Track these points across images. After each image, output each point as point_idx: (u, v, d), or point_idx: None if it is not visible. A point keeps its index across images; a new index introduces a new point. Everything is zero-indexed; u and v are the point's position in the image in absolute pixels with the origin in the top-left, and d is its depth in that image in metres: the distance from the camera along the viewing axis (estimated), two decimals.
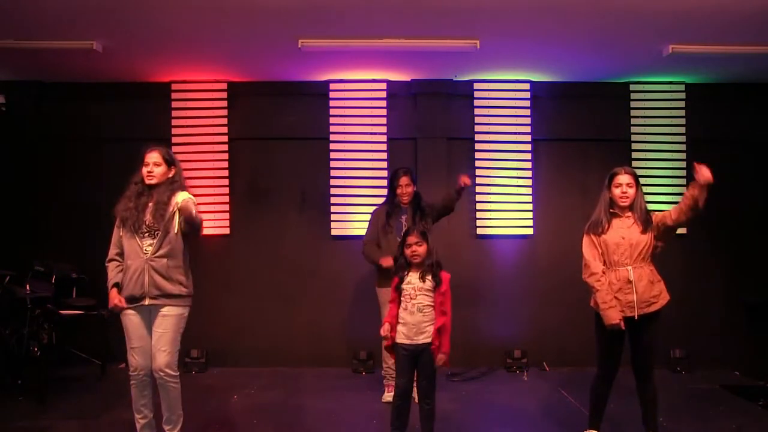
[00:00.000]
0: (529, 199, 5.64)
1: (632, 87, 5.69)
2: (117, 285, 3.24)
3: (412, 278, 3.33)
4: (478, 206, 5.62)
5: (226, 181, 5.61)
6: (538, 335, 5.58)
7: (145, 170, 3.25)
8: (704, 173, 3.23)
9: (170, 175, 3.31)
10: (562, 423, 4.04)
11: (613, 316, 3.23)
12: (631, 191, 3.34)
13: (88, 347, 5.23)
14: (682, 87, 5.67)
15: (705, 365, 5.46)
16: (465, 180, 4.29)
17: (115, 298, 3.22)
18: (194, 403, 4.33)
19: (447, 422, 4.05)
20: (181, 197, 3.28)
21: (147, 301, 3.20)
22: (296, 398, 4.60)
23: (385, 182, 5.43)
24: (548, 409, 4.36)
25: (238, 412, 4.29)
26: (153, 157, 3.26)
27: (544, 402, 4.53)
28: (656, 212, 3.40)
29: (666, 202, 5.59)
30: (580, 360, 5.39)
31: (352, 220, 5.53)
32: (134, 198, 3.24)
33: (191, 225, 3.23)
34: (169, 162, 3.32)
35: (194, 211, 3.18)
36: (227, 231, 5.62)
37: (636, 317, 3.27)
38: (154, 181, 3.25)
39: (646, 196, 5.49)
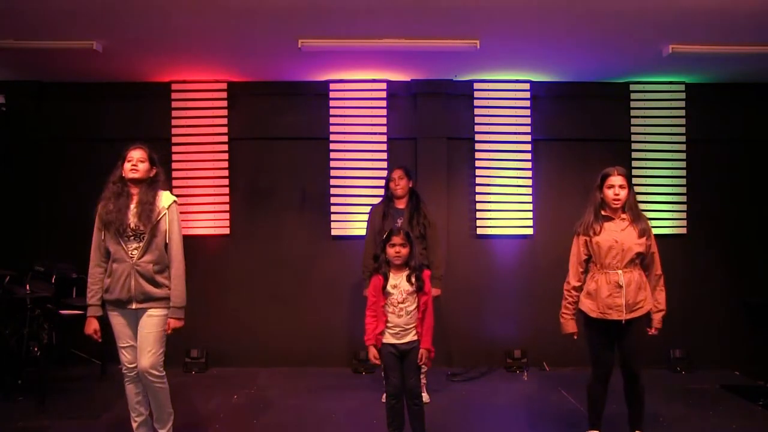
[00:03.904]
0: (529, 199, 5.64)
1: (632, 87, 5.69)
2: (96, 304, 3.23)
3: (399, 281, 3.33)
4: (478, 206, 5.62)
5: (226, 181, 5.60)
6: (538, 335, 5.57)
7: (128, 165, 3.21)
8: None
9: (152, 175, 3.29)
10: (562, 423, 4.04)
11: (566, 327, 3.50)
12: (623, 193, 3.35)
13: (88, 347, 5.20)
14: (682, 87, 5.67)
15: (705, 365, 5.46)
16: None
17: (91, 329, 3.24)
18: (194, 403, 4.34)
19: (447, 422, 4.06)
20: (166, 199, 3.28)
21: (134, 305, 3.19)
22: (296, 398, 4.60)
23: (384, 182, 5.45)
24: (548, 409, 4.36)
25: (238, 412, 4.29)
26: (138, 153, 3.24)
27: (544, 402, 4.53)
28: (651, 248, 3.38)
29: (666, 201, 5.61)
30: (580, 360, 5.35)
31: (352, 220, 5.53)
32: (113, 199, 3.19)
33: None
34: (153, 161, 3.31)
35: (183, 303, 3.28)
36: (227, 231, 5.62)
37: (624, 321, 3.29)
38: (137, 176, 3.21)
39: (645, 195, 5.52)
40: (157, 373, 3.20)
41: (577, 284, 3.48)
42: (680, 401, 4.49)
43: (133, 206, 3.20)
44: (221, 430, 3.90)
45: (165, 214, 3.25)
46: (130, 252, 3.18)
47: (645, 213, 3.48)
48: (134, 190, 3.23)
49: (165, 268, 3.25)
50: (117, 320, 3.23)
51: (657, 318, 3.39)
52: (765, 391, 4.73)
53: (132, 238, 3.18)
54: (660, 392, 4.56)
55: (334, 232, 5.61)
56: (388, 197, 4.52)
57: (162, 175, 3.36)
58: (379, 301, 3.34)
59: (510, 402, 4.56)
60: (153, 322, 3.20)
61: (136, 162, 3.22)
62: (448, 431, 3.93)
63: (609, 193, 3.36)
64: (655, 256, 3.40)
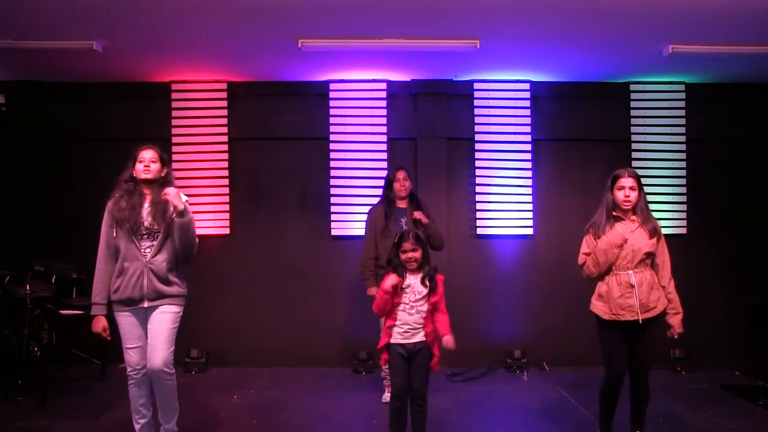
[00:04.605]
0: (529, 199, 5.64)
1: (632, 87, 5.69)
2: (102, 303, 3.23)
3: (414, 282, 3.32)
4: (478, 206, 5.63)
5: (226, 181, 5.61)
6: (538, 335, 5.58)
7: (140, 166, 3.22)
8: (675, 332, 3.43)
9: (163, 174, 3.30)
10: (562, 423, 4.04)
11: (616, 237, 3.29)
12: (634, 194, 3.34)
13: (88, 347, 5.23)
14: (682, 87, 5.67)
15: (705, 365, 5.46)
16: (417, 215, 4.34)
17: (100, 327, 3.23)
18: (194, 403, 4.34)
19: (447, 422, 4.05)
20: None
21: (146, 304, 3.19)
22: (296, 398, 4.61)
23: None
24: (548, 409, 4.36)
25: (238, 412, 4.29)
26: (149, 154, 3.25)
27: (544, 402, 4.53)
28: (661, 246, 3.38)
29: (666, 201, 5.62)
30: (580, 360, 5.40)
31: (352, 220, 5.53)
32: (126, 197, 3.20)
33: (184, 238, 3.20)
34: (164, 161, 3.32)
35: (193, 229, 3.24)
36: (227, 231, 5.62)
37: (640, 320, 3.28)
38: (149, 177, 3.22)
39: (645, 196, 5.49)
40: (168, 370, 3.21)
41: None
42: (680, 401, 4.49)
43: (146, 205, 3.21)
44: (221, 430, 3.90)
45: None
46: (143, 250, 3.18)
47: (654, 218, 3.46)
48: (146, 191, 3.25)
49: (177, 266, 3.27)
50: (126, 320, 3.22)
51: (676, 321, 3.37)
52: (765, 391, 4.73)
53: (145, 236, 3.19)
54: (660, 392, 4.54)
55: (334, 232, 5.61)
56: (389, 198, 4.50)
57: (172, 174, 3.37)
58: (395, 298, 3.30)
59: (510, 402, 4.55)
60: (165, 318, 3.21)
61: (148, 163, 3.23)
62: (448, 431, 3.93)
63: (619, 195, 3.36)
64: (665, 259, 3.38)
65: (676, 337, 3.40)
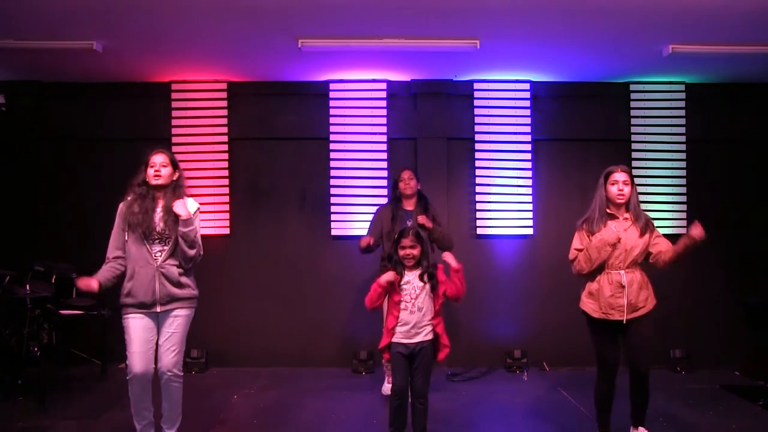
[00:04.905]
0: (529, 199, 5.64)
1: (632, 87, 5.69)
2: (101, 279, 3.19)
3: (412, 278, 3.33)
4: (478, 206, 5.63)
5: (226, 181, 5.61)
6: (538, 335, 5.58)
7: (152, 171, 3.24)
8: (698, 231, 3.22)
9: (174, 178, 3.31)
10: (561, 423, 4.04)
11: (610, 235, 3.29)
12: (627, 189, 3.36)
13: (88, 347, 5.24)
14: (682, 87, 5.67)
15: (705, 365, 5.46)
16: (421, 220, 4.35)
17: (85, 282, 3.12)
18: (194, 403, 4.33)
19: (447, 422, 4.05)
20: (191, 206, 3.30)
21: (158, 308, 3.21)
22: (296, 398, 4.61)
23: (385, 182, 5.45)
24: (548, 409, 4.36)
25: (237, 412, 4.29)
26: (160, 158, 3.27)
27: (544, 402, 4.53)
28: (657, 236, 3.38)
29: (666, 201, 5.61)
30: (580, 360, 5.40)
31: (352, 220, 5.54)
32: (139, 200, 3.21)
33: (182, 243, 3.20)
34: (175, 164, 3.34)
35: (197, 235, 3.25)
36: (227, 231, 5.62)
37: (624, 320, 3.29)
38: (161, 182, 3.24)
39: (645, 195, 5.54)
40: (178, 372, 3.24)
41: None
42: (680, 401, 4.49)
43: (159, 210, 3.23)
44: (221, 431, 3.90)
45: None
46: (154, 254, 3.20)
47: (645, 213, 3.48)
48: (159, 195, 3.26)
49: (188, 269, 3.29)
50: (138, 323, 3.20)
51: (692, 233, 3.22)
52: (765, 391, 4.73)
53: (157, 241, 3.21)
54: (660, 392, 4.54)
55: (334, 232, 5.61)
56: (396, 198, 4.51)
57: (183, 179, 3.37)
58: (394, 296, 3.31)
59: (510, 402, 4.55)
60: (179, 321, 3.24)
61: (159, 168, 3.24)
62: (448, 431, 3.93)
63: (613, 190, 3.36)
64: (665, 241, 3.37)
65: (703, 232, 3.23)
